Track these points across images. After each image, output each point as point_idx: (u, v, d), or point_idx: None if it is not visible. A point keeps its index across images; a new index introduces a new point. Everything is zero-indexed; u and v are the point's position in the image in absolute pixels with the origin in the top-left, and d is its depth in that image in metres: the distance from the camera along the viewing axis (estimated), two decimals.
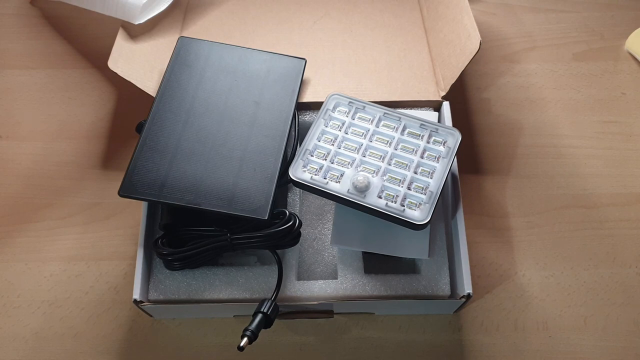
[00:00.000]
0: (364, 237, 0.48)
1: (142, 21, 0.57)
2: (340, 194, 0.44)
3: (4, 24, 0.70)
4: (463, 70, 0.52)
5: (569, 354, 0.49)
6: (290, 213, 0.46)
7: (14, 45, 0.68)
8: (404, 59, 0.60)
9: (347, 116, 0.48)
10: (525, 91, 0.64)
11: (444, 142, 0.47)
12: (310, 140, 0.47)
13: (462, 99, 0.63)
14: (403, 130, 0.47)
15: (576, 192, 0.58)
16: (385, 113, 0.48)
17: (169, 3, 0.60)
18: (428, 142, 0.47)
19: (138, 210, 0.54)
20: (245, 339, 0.42)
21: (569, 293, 0.52)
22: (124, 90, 0.64)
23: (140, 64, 0.56)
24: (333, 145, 0.47)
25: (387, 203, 0.44)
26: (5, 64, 0.66)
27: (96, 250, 0.54)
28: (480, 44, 0.50)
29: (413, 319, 0.51)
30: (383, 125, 0.48)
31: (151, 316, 0.50)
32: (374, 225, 0.49)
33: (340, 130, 0.48)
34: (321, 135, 0.48)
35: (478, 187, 0.57)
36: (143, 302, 0.46)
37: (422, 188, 0.45)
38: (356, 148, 0.47)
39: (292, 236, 0.46)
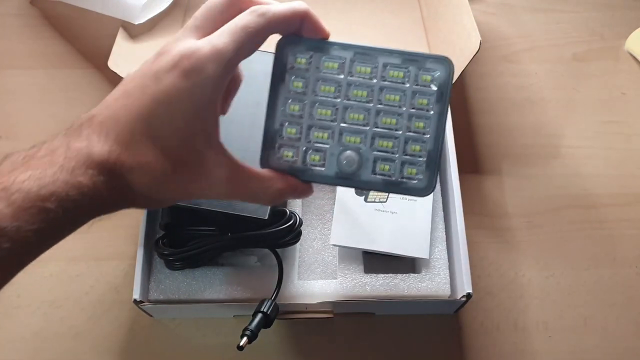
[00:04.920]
0: (364, 235, 0.48)
1: (142, 21, 0.57)
2: (328, 179, 0.36)
3: (4, 24, 0.69)
4: (463, 70, 0.52)
5: (569, 354, 0.49)
6: (290, 212, 0.46)
7: (14, 45, 0.68)
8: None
9: (309, 68, 0.37)
10: (525, 91, 0.64)
11: (434, 77, 0.37)
12: (273, 117, 0.37)
13: (462, 99, 0.63)
14: (383, 71, 0.37)
15: (576, 192, 0.58)
16: (355, 52, 0.37)
17: (169, 3, 0.60)
18: (416, 83, 0.37)
19: (138, 210, 0.54)
20: (244, 339, 0.42)
21: (569, 293, 0.52)
22: None
23: (140, 64, 0.56)
24: (302, 115, 0.37)
25: (383, 179, 0.36)
26: (5, 64, 0.66)
27: (96, 250, 0.54)
28: (480, 44, 0.50)
29: (413, 319, 0.51)
30: (357, 72, 0.37)
31: (151, 316, 0.50)
32: (374, 224, 0.49)
33: (305, 92, 0.37)
34: (284, 106, 0.37)
35: (478, 187, 0.57)
36: (143, 302, 0.46)
37: (420, 148, 0.37)
38: (331, 112, 0.37)
39: (293, 235, 0.46)
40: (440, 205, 0.52)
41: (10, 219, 0.26)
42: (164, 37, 0.60)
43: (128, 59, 0.54)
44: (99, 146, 0.29)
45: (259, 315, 0.43)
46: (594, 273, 0.53)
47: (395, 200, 0.50)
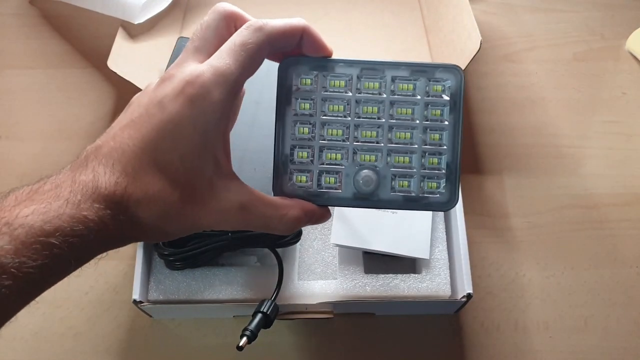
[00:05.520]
0: (364, 236, 0.48)
1: (141, 20, 0.57)
2: (346, 201, 0.35)
3: (3, 23, 0.69)
4: (463, 70, 0.51)
5: (569, 354, 0.49)
6: None
7: (14, 45, 0.68)
8: (404, 58, 0.60)
9: (315, 88, 0.35)
10: (526, 91, 0.64)
11: (445, 87, 0.36)
12: (283, 142, 0.35)
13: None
14: (392, 85, 0.35)
15: (576, 192, 0.58)
16: (362, 68, 0.35)
17: (168, 2, 0.60)
18: (427, 94, 0.36)
19: None
20: (244, 339, 0.42)
21: (569, 293, 0.52)
22: (123, 90, 0.64)
23: (139, 63, 0.55)
24: (312, 138, 0.35)
25: (404, 196, 0.35)
26: (4, 64, 0.66)
27: None
28: (480, 43, 0.49)
29: (413, 320, 0.51)
30: (365, 88, 0.35)
31: (151, 316, 0.50)
32: (374, 224, 0.49)
33: (314, 114, 0.35)
34: (293, 129, 0.35)
35: (478, 187, 0.57)
36: (143, 302, 0.46)
37: (438, 161, 0.36)
38: (342, 131, 0.35)
39: (293, 235, 0.46)
40: None
41: (13, 255, 0.25)
42: (163, 37, 0.60)
43: (127, 58, 0.54)
44: (105, 179, 0.29)
45: (259, 316, 0.43)
46: (594, 273, 0.53)
47: None
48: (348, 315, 0.50)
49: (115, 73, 0.51)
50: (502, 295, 0.52)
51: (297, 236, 0.47)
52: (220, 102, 0.29)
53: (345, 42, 0.62)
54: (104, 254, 0.31)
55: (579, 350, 0.50)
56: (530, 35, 0.69)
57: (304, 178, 0.35)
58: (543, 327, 0.51)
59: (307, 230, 0.52)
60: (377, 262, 0.50)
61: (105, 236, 0.29)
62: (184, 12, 0.64)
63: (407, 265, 0.51)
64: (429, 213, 0.50)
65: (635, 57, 0.66)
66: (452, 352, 0.50)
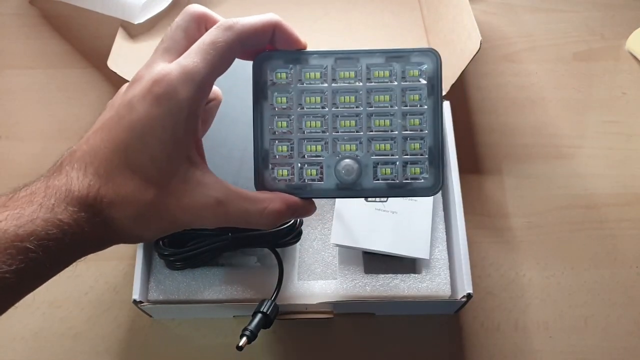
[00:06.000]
0: (364, 235, 0.48)
1: (141, 20, 0.57)
2: (329, 192, 0.35)
3: (3, 23, 0.69)
4: (463, 70, 0.51)
5: (569, 354, 0.49)
6: None
7: (14, 45, 0.68)
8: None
9: (291, 81, 0.35)
10: (526, 91, 0.64)
11: (422, 71, 0.35)
12: (262, 137, 0.35)
13: (462, 99, 0.63)
14: (367, 73, 0.35)
15: (576, 192, 0.58)
16: (336, 58, 0.35)
17: (168, 2, 0.60)
18: (404, 79, 0.35)
19: None
20: (244, 339, 0.42)
21: (569, 293, 0.52)
22: None
23: (139, 63, 0.55)
24: (291, 131, 0.35)
25: (387, 183, 0.35)
26: (4, 64, 0.66)
27: None
28: (480, 43, 0.49)
29: (413, 320, 0.51)
30: (341, 78, 0.35)
31: (151, 316, 0.50)
32: (374, 224, 0.49)
33: (291, 107, 0.35)
34: (272, 124, 0.35)
35: (478, 187, 0.57)
36: (143, 302, 0.46)
37: (420, 146, 0.35)
38: (321, 122, 0.35)
39: (294, 235, 0.46)
40: (441, 205, 0.52)
41: None
42: None
43: (128, 58, 0.54)
44: (78, 182, 0.29)
45: (259, 316, 0.43)
46: (594, 273, 0.53)
47: (396, 200, 0.50)
48: (348, 315, 0.50)
49: (115, 73, 0.51)
50: (502, 295, 0.52)
51: (297, 236, 0.47)
52: (187, 100, 0.29)
53: (345, 42, 0.62)
54: (83, 258, 0.31)
55: (579, 350, 0.50)
56: (530, 35, 0.69)
57: (285, 172, 0.35)
58: (543, 327, 0.51)
59: (307, 231, 0.52)
60: (377, 262, 0.50)
61: (82, 239, 0.29)
62: None
63: (407, 265, 0.51)
64: (429, 213, 0.50)
65: (635, 57, 0.66)
66: (452, 352, 0.50)
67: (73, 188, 0.28)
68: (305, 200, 0.34)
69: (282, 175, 0.35)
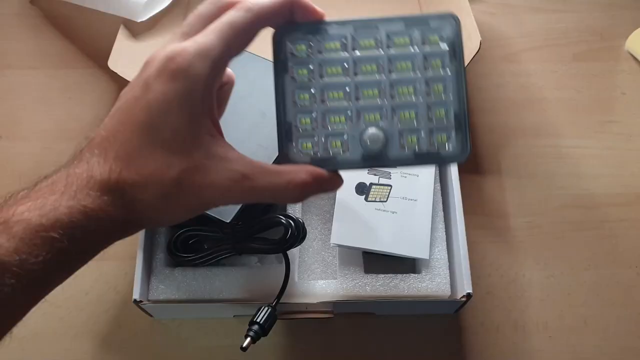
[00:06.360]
0: (364, 235, 0.48)
1: (144, 18, 0.57)
2: (355, 164, 0.34)
3: (4, 23, 0.69)
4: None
5: (569, 354, 0.49)
6: (286, 219, 0.46)
7: (14, 45, 0.68)
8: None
9: (311, 53, 0.35)
10: (526, 91, 0.64)
11: (442, 36, 0.34)
12: (284, 111, 0.34)
13: None
14: (388, 40, 0.35)
15: (576, 192, 0.58)
16: (355, 27, 0.35)
17: (170, 0, 0.60)
18: (425, 45, 0.34)
19: None
20: (248, 339, 0.42)
21: (569, 293, 0.52)
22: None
23: (140, 63, 0.55)
24: (314, 103, 0.34)
25: (414, 152, 0.34)
26: (5, 64, 0.66)
27: None
28: (480, 44, 0.50)
29: (413, 319, 0.51)
30: (361, 47, 0.35)
31: (151, 316, 0.50)
32: (374, 223, 0.49)
33: (312, 78, 0.34)
34: (294, 96, 0.34)
35: (478, 187, 0.57)
36: (143, 302, 0.46)
37: (445, 112, 0.34)
38: (343, 93, 0.34)
39: (300, 236, 0.46)
40: (441, 205, 0.52)
41: (13, 253, 0.25)
42: (165, 36, 0.60)
43: (128, 58, 0.54)
44: (98, 167, 0.28)
45: (267, 309, 0.44)
46: (594, 273, 0.53)
47: (396, 200, 0.50)
48: (348, 315, 0.50)
49: (116, 73, 0.51)
50: (501, 295, 0.52)
51: (302, 238, 0.47)
52: (202, 75, 0.28)
53: None
54: (109, 246, 0.31)
55: (579, 350, 0.50)
56: (530, 36, 0.69)
57: (309, 144, 0.33)
58: (543, 327, 0.51)
59: (307, 230, 0.52)
60: (377, 262, 0.50)
61: (107, 225, 0.29)
62: (185, 11, 0.64)
63: (407, 265, 0.51)
64: (429, 213, 0.50)
65: (635, 57, 0.66)
66: (452, 352, 0.50)
67: (94, 174, 0.28)
68: (331, 173, 0.33)
69: (306, 148, 0.33)
